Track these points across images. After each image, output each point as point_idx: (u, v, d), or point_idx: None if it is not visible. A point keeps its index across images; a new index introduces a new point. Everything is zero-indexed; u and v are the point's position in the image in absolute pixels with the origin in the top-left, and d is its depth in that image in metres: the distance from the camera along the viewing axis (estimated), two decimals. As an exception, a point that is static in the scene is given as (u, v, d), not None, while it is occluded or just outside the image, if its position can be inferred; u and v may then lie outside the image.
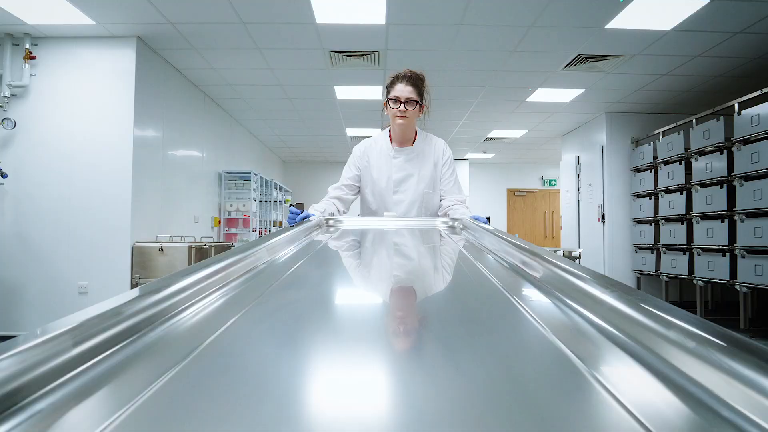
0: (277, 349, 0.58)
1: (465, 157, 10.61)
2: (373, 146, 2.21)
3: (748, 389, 0.40)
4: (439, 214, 2.18)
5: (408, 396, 0.46)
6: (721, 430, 0.39)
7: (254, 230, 6.88)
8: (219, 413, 0.41)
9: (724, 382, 0.42)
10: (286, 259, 1.19)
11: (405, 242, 1.66)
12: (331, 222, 1.93)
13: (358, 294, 0.97)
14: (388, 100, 2.08)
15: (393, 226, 1.89)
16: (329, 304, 0.87)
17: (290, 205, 1.96)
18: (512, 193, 11.83)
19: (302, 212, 1.79)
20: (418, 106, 2.06)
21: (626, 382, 0.48)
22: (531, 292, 0.81)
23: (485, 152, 10.08)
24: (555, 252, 1.01)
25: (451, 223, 1.89)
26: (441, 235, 1.76)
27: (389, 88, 2.08)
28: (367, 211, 2.23)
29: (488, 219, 1.87)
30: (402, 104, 2.03)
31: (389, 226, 1.89)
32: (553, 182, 11.49)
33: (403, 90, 2.03)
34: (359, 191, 2.25)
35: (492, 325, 0.69)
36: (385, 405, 0.45)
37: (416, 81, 2.05)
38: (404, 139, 2.17)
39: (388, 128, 2.21)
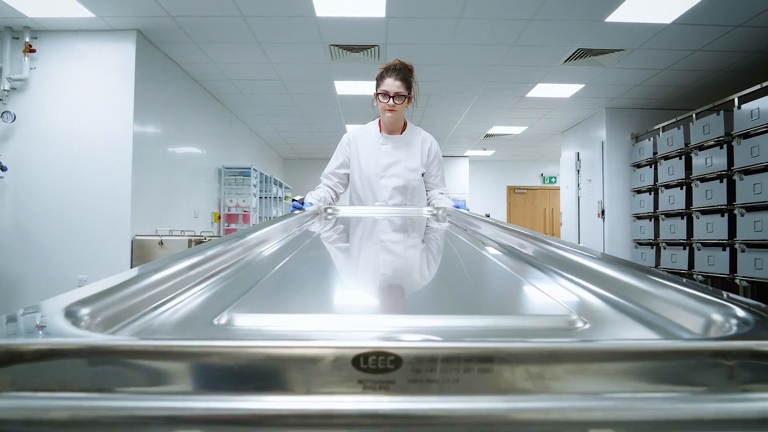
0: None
1: (465, 155, 10.60)
2: (362, 134, 2.33)
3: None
4: (426, 204, 2.33)
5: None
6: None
7: (254, 226, 6.88)
8: None
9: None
10: (291, 241, 1.30)
11: (398, 227, 1.84)
12: (329, 211, 2.06)
13: (375, 264, 1.18)
14: (377, 94, 2.18)
15: (384, 214, 2.07)
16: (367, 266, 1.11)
17: (293, 200, 2.09)
18: (512, 191, 11.83)
19: (304, 206, 1.97)
20: (406, 99, 2.18)
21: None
22: (494, 250, 1.19)
23: (485, 149, 10.07)
24: None
25: (435, 212, 2.07)
26: (428, 221, 1.95)
27: (379, 80, 2.18)
28: (355, 197, 2.33)
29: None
30: (391, 98, 2.15)
31: (381, 215, 2.05)
32: (553, 179, 11.49)
33: (392, 85, 2.13)
34: (348, 181, 2.37)
35: (475, 268, 1.09)
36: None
37: (405, 74, 2.15)
38: (394, 128, 2.30)
39: (378, 118, 2.33)
